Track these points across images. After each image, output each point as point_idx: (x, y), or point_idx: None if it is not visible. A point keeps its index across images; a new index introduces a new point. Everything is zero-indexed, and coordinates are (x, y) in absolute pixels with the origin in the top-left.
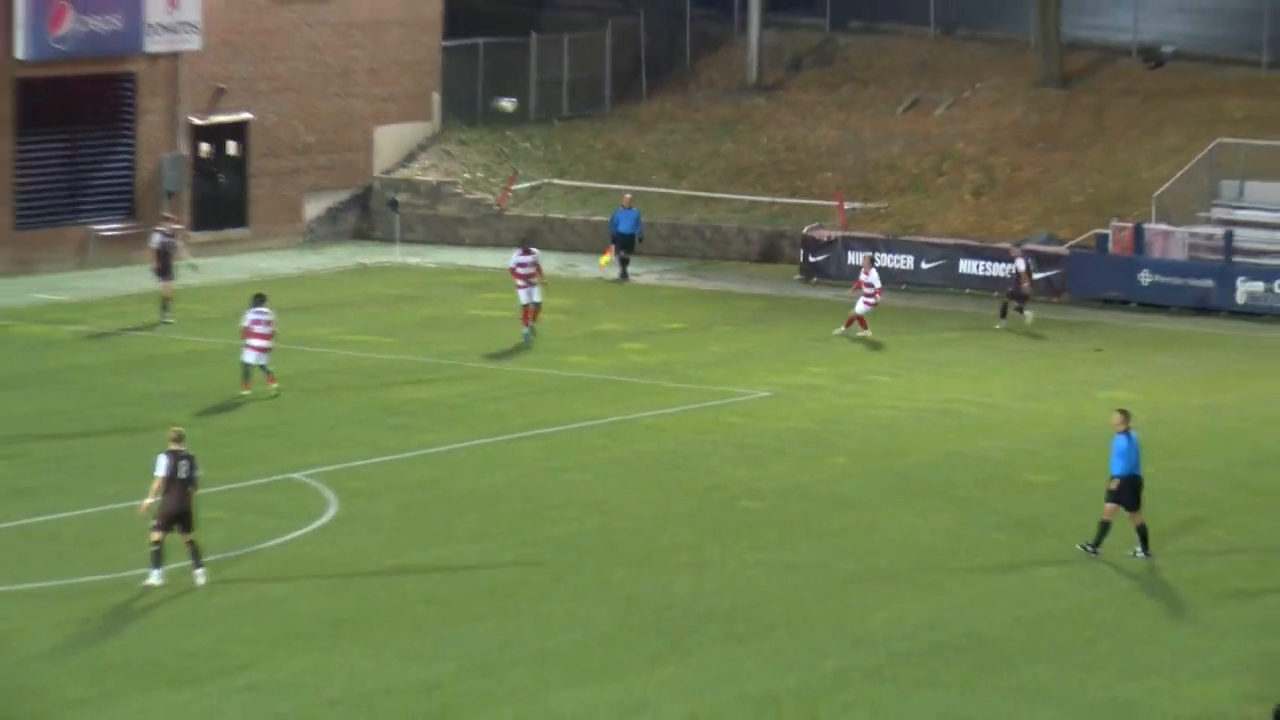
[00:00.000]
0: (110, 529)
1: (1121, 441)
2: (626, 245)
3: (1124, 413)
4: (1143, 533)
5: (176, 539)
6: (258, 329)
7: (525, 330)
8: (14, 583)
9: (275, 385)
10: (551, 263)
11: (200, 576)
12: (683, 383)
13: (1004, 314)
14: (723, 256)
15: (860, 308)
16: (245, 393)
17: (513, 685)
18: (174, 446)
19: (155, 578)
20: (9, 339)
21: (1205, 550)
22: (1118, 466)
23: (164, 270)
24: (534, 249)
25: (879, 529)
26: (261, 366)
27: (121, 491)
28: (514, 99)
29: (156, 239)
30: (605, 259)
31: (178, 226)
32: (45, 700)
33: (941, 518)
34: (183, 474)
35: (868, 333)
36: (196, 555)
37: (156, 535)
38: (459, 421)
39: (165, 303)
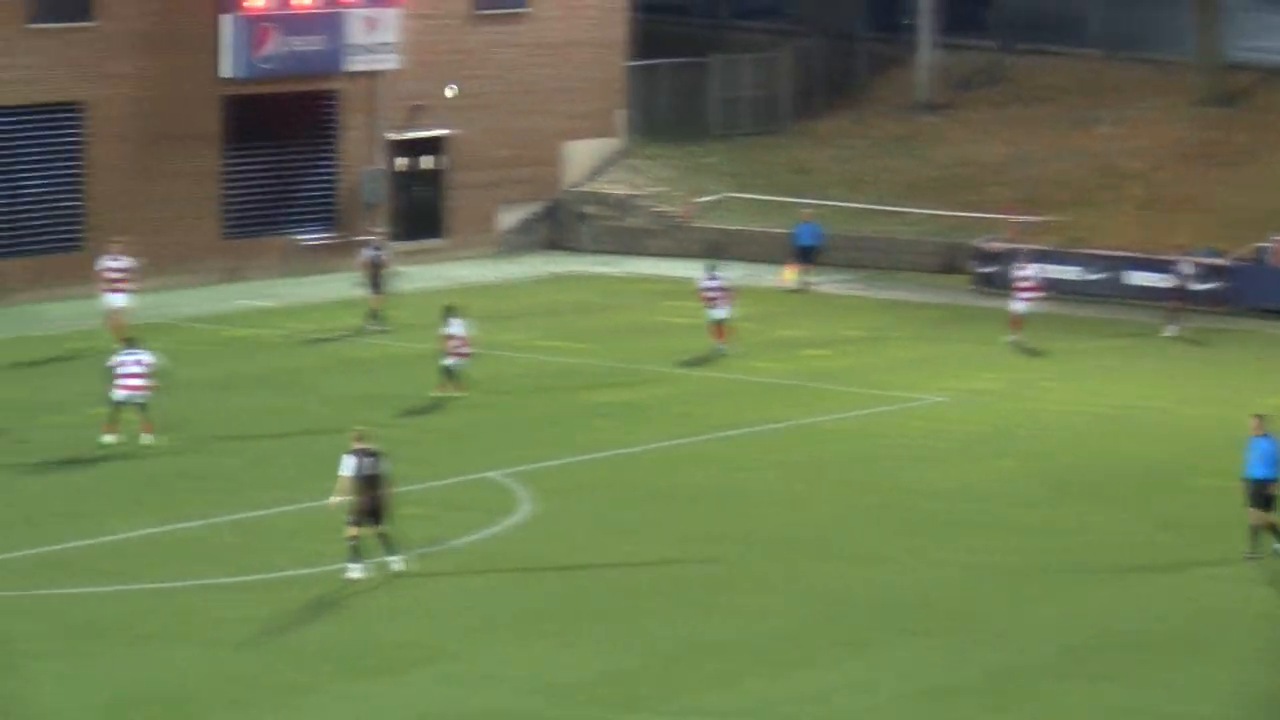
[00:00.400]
0: (316, 523)
1: (1261, 445)
2: (809, 258)
3: (1259, 418)
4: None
5: (374, 532)
6: (453, 340)
7: (718, 346)
8: (226, 575)
9: (462, 392)
10: (734, 273)
11: (396, 564)
12: (863, 388)
13: (1170, 322)
14: (899, 267)
15: (1019, 306)
16: (443, 395)
17: (702, 675)
18: (358, 445)
19: (356, 571)
20: (220, 342)
21: None
22: (1256, 470)
23: (374, 283)
24: (719, 274)
25: (1049, 528)
26: (457, 372)
27: (327, 488)
28: (454, 87)
29: (366, 253)
30: (790, 274)
31: (384, 241)
32: (255, 686)
33: (1108, 518)
34: (369, 471)
35: (1019, 337)
36: (390, 545)
37: (353, 531)
38: (648, 423)
39: (374, 313)
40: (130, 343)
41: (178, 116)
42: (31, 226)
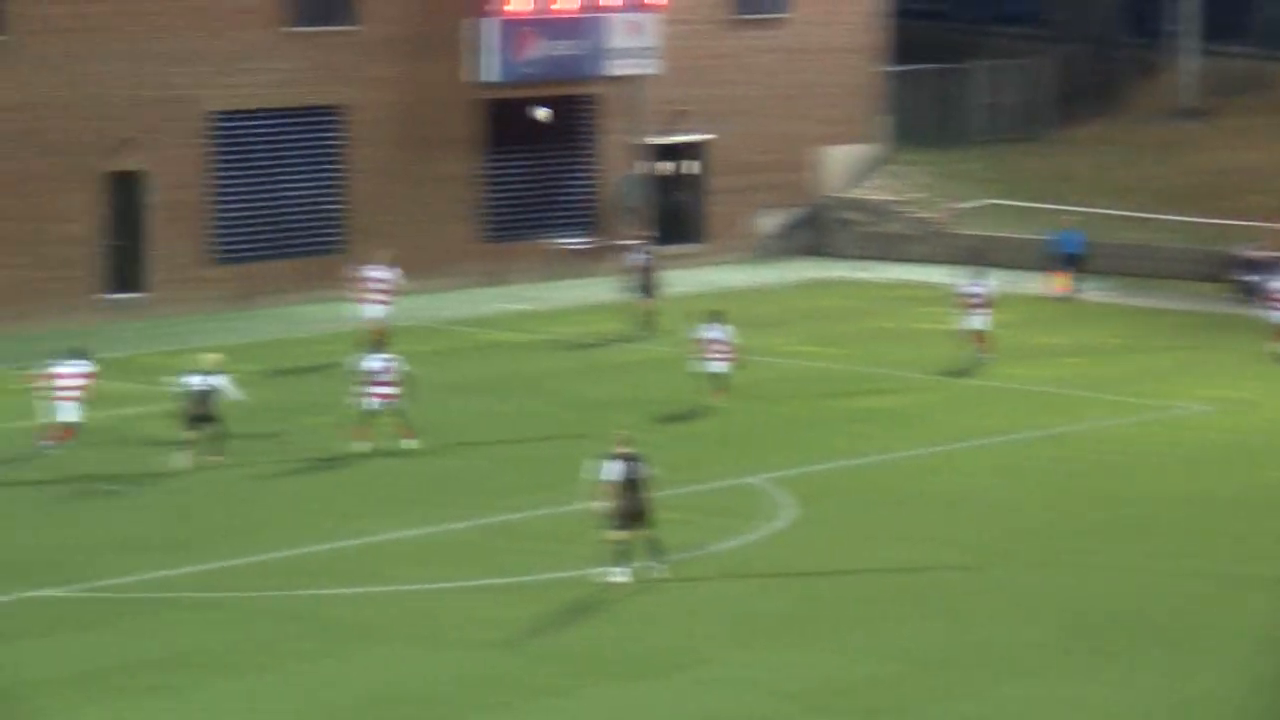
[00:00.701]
0: (576, 527)
1: None
2: (1074, 265)
3: None
4: None
5: (636, 537)
6: (713, 345)
7: (977, 353)
8: (485, 576)
9: (720, 398)
10: (993, 279)
11: (657, 571)
12: (1123, 396)
13: None
14: (1158, 275)
15: (1279, 316)
16: (712, 402)
17: (960, 681)
18: (621, 450)
19: (619, 575)
20: (481, 346)
21: None
22: None
23: (645, 287)
24: (982, 281)
25: None
26: (718, 377)
27: (585, 491)
28: (548, 109)
29: (635, 257)
30: (1061, 282)
31: (650, 246)
32: (512, 689)
33: None
34: (631, 475)
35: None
36: (654, 550)
37: (616, 535)
38: (909, 429)
39: (646, 318)
40: (379, 346)
41: (438, 120)
42: (293, 228)
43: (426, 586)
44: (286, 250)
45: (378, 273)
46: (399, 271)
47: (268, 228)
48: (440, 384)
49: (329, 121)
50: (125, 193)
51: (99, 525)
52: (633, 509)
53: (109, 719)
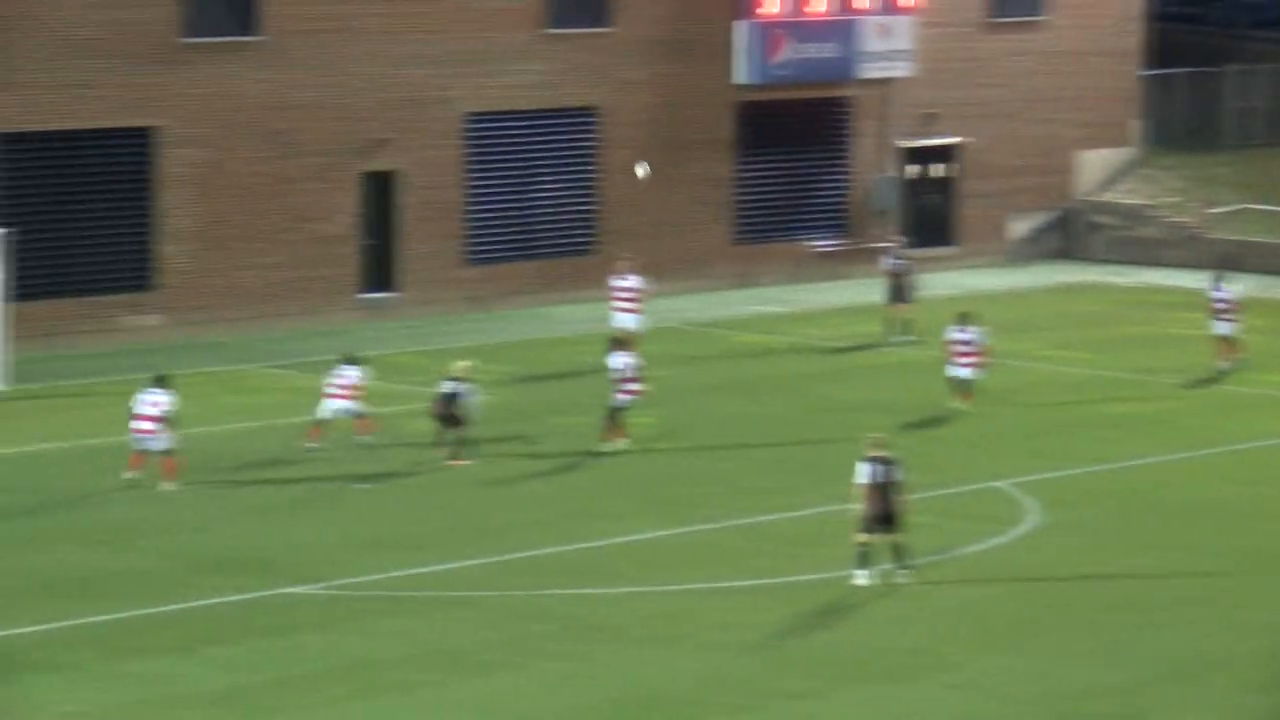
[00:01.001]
0: (824, 530)
1: None
2: None
3: None
4: None
5: (884, 540)
6: (962, 348)
7: (1224, 360)
8: (735, 578)
9: (968, 403)
10: (1245, 285)
11: (902, 576)
12: None
13: None
14: None
15: None
16: (959, 406)
17: (1206, 692)
18: (874, 453)
19: (863, 578)
20: (731, 347)
21: None
22: None
23: (900, 292)
24: (1226, 286)
25: None
26: (966, 381)
27: (834, 494)
28: (645, 166)
29: (888, 262)
30: None
31: (906, 251)
32: (758, 691)
33: None
34: (883, 478)
35: None
36: (901, 556)
37: (862, 537)
38: (1157, 436)
39: (902, 324)
40: (620, 345)
41: (690, 122)
42: (544, 229)
43: (674, 587)
44: (536, 251)
45: (623, 281)
46: (646, 279)
47: (519, 229)
48: (690, 386)
49: (582, 123)
50: (380, 193)
51: (348, 524)
52: (883, 512)
53: (351, 717)
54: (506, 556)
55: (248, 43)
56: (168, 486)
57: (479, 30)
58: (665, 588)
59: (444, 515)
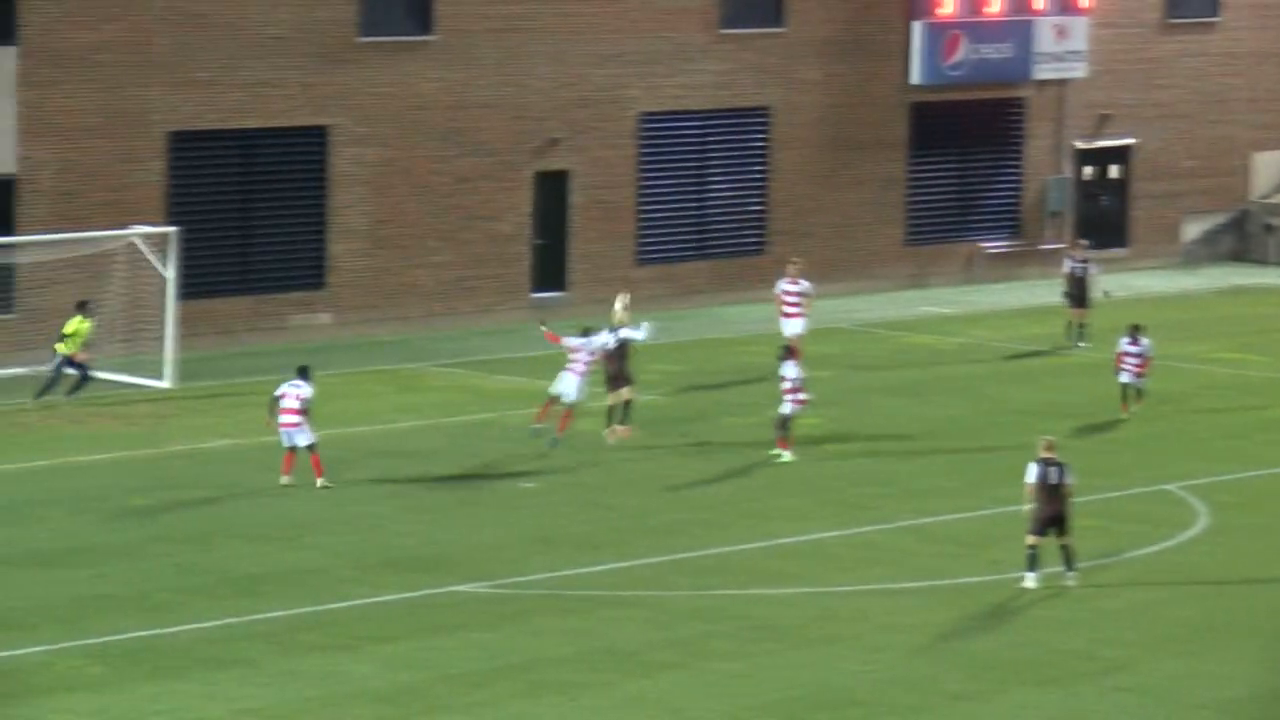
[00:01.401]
0: (996, 532)
1: None
2: None
3: None
4: None
5: (1053, 543)
6: (1133, 361)
7: None
8: (903, 579)
9: (1135, 409)
10: None
11: (1071, 579)
12: None
13: None
14: None
15: None
16: (1123, 415)
17: None
18: (1045, 454)
19: (1031, 580)
20: (902, 349)
21: None
22: None
23: (1076, 295)
24: None
25: None
26: (1137, 389)
27: (1003, 496)
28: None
29: (1068, 264)
30: None
31: (1088, 253)
32: (926, 692)
33: None
34: (1053, 480)
35: None
36: (1070, 559)
37: (1031, 539)
38: None
39: (1078, 329)
40: (790, 353)
41: (864, 123)
42: (717, 229)
43: (842, 588)
44: (707, 251)
45: (791, 286)
46: (810, 284)
47: (690, 228)
48: (860, 387)
49: (755, 123)
50: (552, 192)
51: (516, 522)
52: (1054, 513)
53: (517, 716)
54: (675, 556)
55: (424, 42)
56: (321, 483)
57: (654, 30)
58: (834, 588)
59: (613, 514)
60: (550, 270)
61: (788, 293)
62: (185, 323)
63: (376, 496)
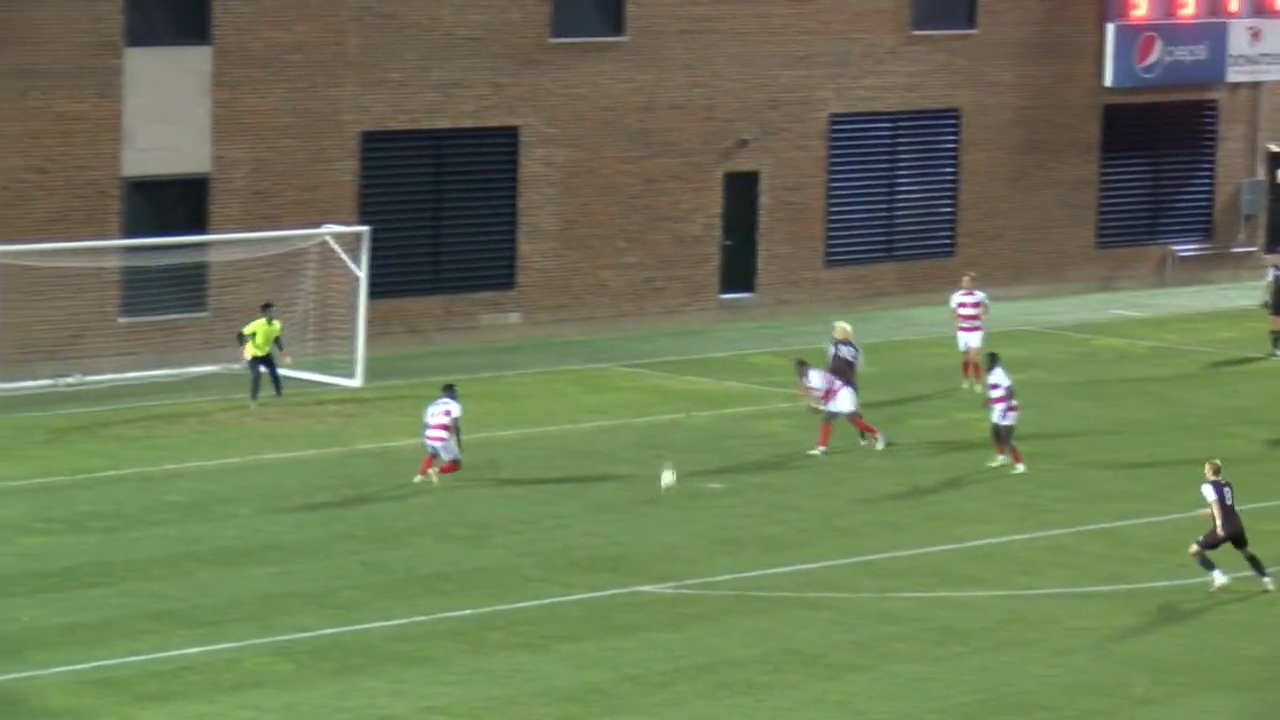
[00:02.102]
0: (1179, 536)
1: None
2: None
3: None
4: None
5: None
6: None
7: None
8: (1089, 583)
9: None
10: None
11: (1268, 583)
12: None
13: None
14: None
15: None
16: None
17: None
18: (1213, 478)
19: (1219, 578)
20: (1090, 351)
21: None
22: None
23: (1277, 304)
24: None
25: None
26: None
27: (1192, 501)
28: (672, 472)
29: (1271, 274)
30: None
31: None
32: (1112, 696)
33: None
34: (1229, 500)
35: None
36: (1259, 565)
37: (1201, 550)
38: None
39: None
40: (994, 360)
41: (1055, 125)
42: (905, 231)
43: (1027, 592)
44: (896, 253)
45: (967, 298)
46: (985, 295)
47: (879, 230)
48: (1049, 389)
49: (945, 124)
50: (740, 193)
51: (701, 523)
52: (1233, 531)
53: (700, 717)
54: (860, 558)
55: (615, 43)
56: (437, 480)
57: (845, 31)
58: (1019, 592)
59: (799, 516)
60: (739, 271)
61: (963, 304)
62: (375, 322)
63: (562, 496)
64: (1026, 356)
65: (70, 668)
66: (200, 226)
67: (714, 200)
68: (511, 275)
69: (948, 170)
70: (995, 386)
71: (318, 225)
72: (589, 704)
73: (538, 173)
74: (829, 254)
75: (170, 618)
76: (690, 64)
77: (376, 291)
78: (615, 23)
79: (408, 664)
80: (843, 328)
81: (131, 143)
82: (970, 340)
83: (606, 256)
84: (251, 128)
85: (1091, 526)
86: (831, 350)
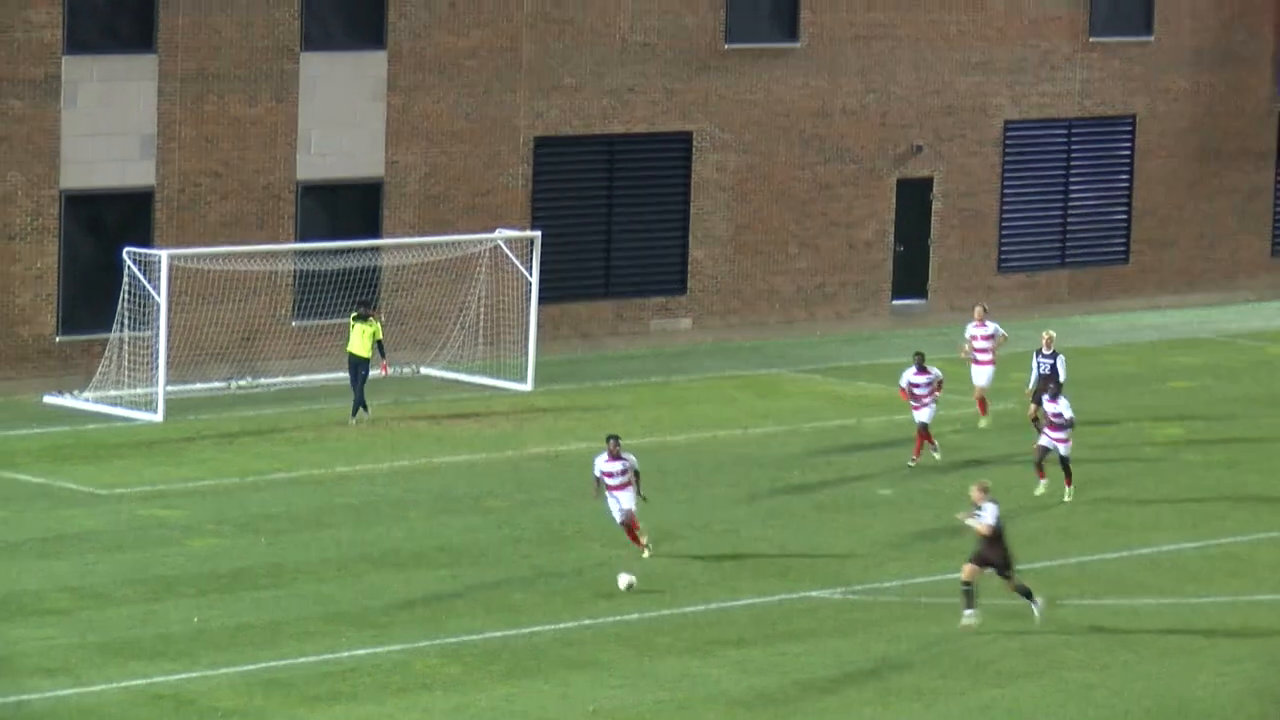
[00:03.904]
0: None
1: None
2: None
3: None
4: None
5: None
6: None
7: None
8: (1261, 591)
9: None
10: None
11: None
12: None
13: None
14: None
15: None
16: None
17: None
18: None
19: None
20: (1265, 360)
21: None
22: None
23: None
24: None
25: None
26: None
27: None
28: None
29: None
30: None
31: None
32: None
33: None
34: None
35: None
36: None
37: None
38: None
39: None
40: (1059, 389)
41: (1231, 132)
42: (1079, 238)
43: (1199, 600)
44: (1068, 260)
45: (978, 330)
46: (996, 326)
47: (1052, 237)
48: (1222, 397)
49: (1120, 132)
50: (914, 199)
51: (871, 528)
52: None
53: None
54: (1032, 565)
55: (789, 49)
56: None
57: (1022, 39)
58: (1189, 600)
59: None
60: (911, 277)
61: (974, 337)
62: (546, 326)
63: (732, 501)
64: (1199, 365)
65: (240, 668)
66: (373, 231)
67: (886, 206)
68: (683, 280)
69: (1122, 177)
70: (1058, 415)
71: (490, 230)
72: (756, 709)
73: (710, 178)
74: (1002, 260)
75: (340, 619)
76: (865, 70)
77: (548, 296)
78: (790, 28)
79: (576, 668)
80: (1048, 335)
81: (306, 147)
82: (980, 376)
83: (778, 262)
84: (425, 133)
85: (1264, 535)
86: (1035, 359)
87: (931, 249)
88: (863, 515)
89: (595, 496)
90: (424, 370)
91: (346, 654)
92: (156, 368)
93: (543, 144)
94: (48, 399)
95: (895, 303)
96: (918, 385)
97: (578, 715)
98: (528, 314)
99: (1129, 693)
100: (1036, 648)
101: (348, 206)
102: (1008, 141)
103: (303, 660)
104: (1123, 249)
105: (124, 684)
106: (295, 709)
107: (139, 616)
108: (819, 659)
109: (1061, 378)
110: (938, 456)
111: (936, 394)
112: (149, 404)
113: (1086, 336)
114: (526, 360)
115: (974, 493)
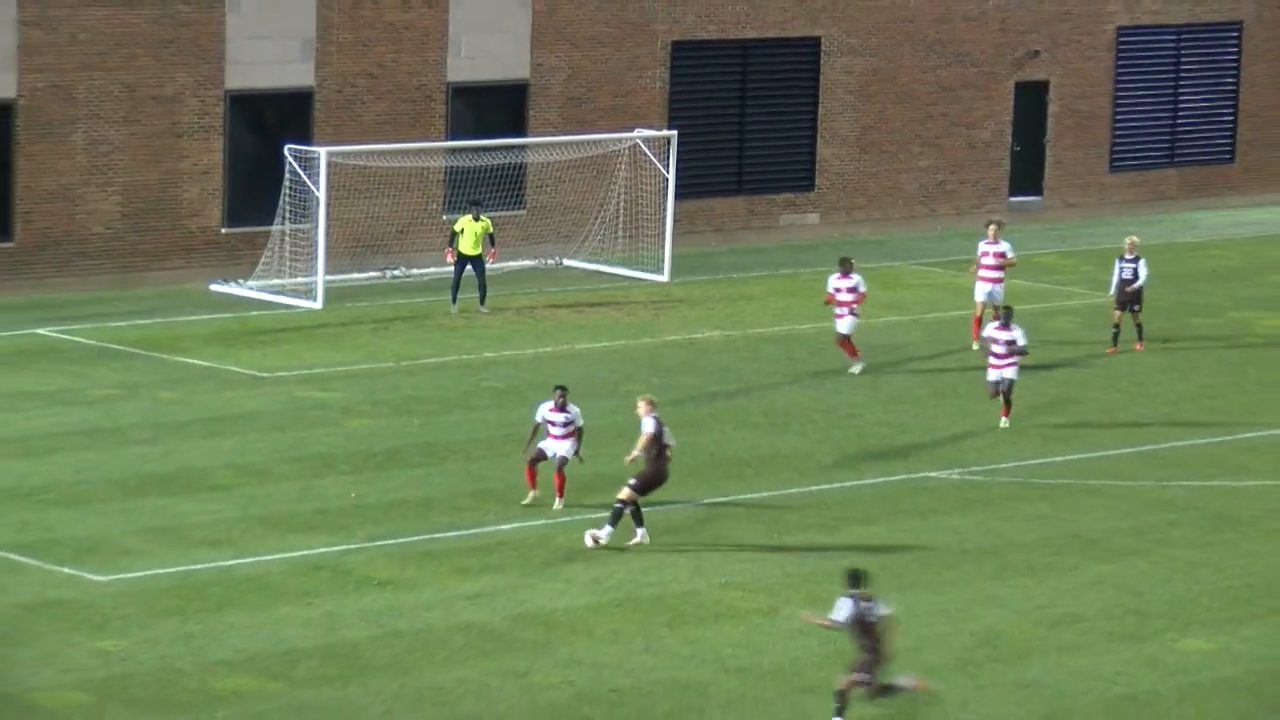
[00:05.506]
0: None
1: None
2: None
3: None
4: None
5: None
6: None
7: None
8: None
9: None
10: None
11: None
12: None
13: None
14: None
15: None
16: None
17: None
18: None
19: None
20: None
21: None
22: None
23: None
24: None
25: None
26: None
27: None
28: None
29: None
30: None
31: None
32: None
33: None
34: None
35: None
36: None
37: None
38: None
39: None
40: (1009, 313)
41: None
42: (1187, 138)
43: None
44: (1177, 159)
45: (990, 246)
46: (1008, 245)
47: (1162, 137)
48: None
49: (1228, 37)
50: (1030, 101)
51: (987, 413)
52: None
53: (984, 595)
54: (1141, 448)
55: None
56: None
57: None
58: None
59: (1081, 408)
60: (1027, 176)
61: (985, 254)
62: (682, 220)
63: (856, 386)
64: None
65: (394, 541)
66: (519, 129)
67: (1005, 108)
68: (811, 178)
69: (1229, 81)
70: (1011, 343)
71: (629, 129)
72: (879, 581)
73: (838, 80)
74: (1114, 160)
75: (488, 496)
76: None
77: (683, 192)
78: None
79: (709, 542)
80: (1131, 241)
81: (456, 50)
82: (982, 292)
83: (901, 161)
84: (568, 37)
85: None
86: (1117, 264)
87: (1047, 148)
88: (981, 401)
89: (528, 440)
90: (566, 262)
91: (494, 529)
92: (316, 258)
93: (679, 48)
94: (214, 287)
95: (1012, 199)
96: (839, 290)
97: (710, 587)
98: (664, 209)
99: (1231, 569)
100: (1145, 527)
101: (495, 107)
102: (1120, 46)
103: (453, 534)
104: (1229, 149)
105: (284, 555)
106: (446, 580)
107: (298, 492)
108: (938, 535)
109: (1141, 281)
110: (855, 371)
111: (857, 306)
112: (309, 292)
113: (1193, 232)
114: (663, 253)
115: (640, 406)
